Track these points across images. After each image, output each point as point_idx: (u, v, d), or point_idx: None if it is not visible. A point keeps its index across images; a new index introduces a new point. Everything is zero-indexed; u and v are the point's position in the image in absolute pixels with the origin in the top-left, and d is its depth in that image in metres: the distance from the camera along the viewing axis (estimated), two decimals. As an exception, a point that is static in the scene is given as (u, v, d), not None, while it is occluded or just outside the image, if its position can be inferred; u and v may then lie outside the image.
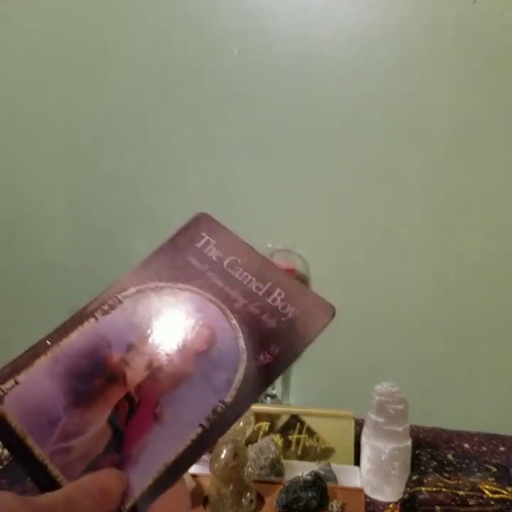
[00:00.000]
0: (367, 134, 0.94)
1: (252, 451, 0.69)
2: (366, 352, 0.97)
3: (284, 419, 0.77)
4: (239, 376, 0.31)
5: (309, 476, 0.62)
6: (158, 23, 1.03)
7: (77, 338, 0.33)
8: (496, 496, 0.58)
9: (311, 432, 0.76)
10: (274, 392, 0.96)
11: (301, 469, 0.66)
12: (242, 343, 0.32)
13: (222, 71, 1.00)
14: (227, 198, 1.02)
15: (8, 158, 1.16)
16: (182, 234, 0.38)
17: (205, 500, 0.61)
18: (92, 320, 0.33)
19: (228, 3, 0.99)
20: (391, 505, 0.63)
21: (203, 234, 0.38)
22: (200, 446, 0.29)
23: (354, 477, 0.71)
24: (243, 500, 0.59)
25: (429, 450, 0.72)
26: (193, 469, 0.68)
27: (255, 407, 0.73)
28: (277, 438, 0.76)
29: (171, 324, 0.33)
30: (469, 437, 0.86)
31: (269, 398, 0.95)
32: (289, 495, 0.60)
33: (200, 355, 0.32)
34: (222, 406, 0.30)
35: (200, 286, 0.35)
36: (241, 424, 0.62)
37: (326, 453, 0.74)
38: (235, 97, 1.00)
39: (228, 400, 0.30)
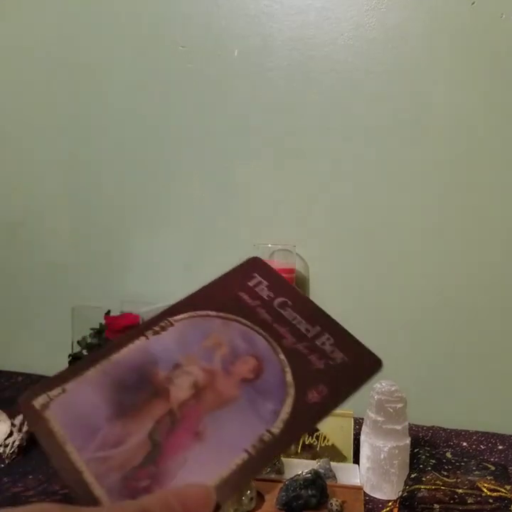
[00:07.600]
0: (366, 135, 0.95)
1: (252, 449, 0.70)
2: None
3: (284, 418, 0.77)
4: (286, 409, 0.31)
5: (309, 474, 0.62)
6: (159, 25, 1.04)
7: (126, 354, 0.33)
8: (494, 494, 0.58)
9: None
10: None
11: (301, 467, 0.66)
12: (289, 377, 0.32)
13: (222, 72, 1.01)
14: (227, 198, 1.03)
15: (11, 160, 1.17)
16: (235, 271, 0.39)
17: (206, 498, 0.62)
18: (142, 338, 0.34)
19: (229, 5, 0.99)
20: (390, 503, 0.63)
21: (255, 274, 0.38)
22: (246, 472, 0.28)
23: (353, 475, 0.71)
24: (244, 498, 0.60)
25: (428, 449, 0.72)
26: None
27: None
28: (277, 437, 0.76)
29: (218, 349, 0.34)
30: (468, 436, 0.87)
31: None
32: (289, 493, 0.60)
33: (247, 383, 0.32)
34: (269, 435, 0.29)
35: (249, 319, 0.36)
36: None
37: (326, 451, 0.74)
38: (236, 98, 1.01)
39: (275, 430, 0.30)
